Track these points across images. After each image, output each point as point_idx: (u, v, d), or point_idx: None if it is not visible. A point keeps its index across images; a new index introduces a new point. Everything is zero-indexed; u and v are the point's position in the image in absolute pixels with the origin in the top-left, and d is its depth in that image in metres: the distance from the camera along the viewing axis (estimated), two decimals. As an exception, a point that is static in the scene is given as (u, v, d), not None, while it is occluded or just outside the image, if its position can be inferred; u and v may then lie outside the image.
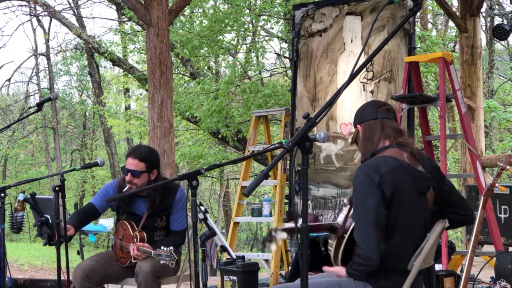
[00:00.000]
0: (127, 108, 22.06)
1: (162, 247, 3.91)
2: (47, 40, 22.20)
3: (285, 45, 15.00)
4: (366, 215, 2.72)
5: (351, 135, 3.16)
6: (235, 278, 4.67)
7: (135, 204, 4.35)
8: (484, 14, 12.22)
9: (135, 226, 4.29)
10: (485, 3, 9.30)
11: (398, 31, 4.51)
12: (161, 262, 3.90)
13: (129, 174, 4.21)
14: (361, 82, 6.41)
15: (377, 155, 2.88)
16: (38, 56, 24.10)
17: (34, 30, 23.83)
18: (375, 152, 2.90)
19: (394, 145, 2.90)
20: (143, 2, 7.19)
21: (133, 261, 4.20)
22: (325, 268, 2.93)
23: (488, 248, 6.69)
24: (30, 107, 4.68)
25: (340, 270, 2.86)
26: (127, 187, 4.22)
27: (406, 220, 2.80)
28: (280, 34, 14.37)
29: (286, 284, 3.21)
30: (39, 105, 4.51)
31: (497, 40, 9.73)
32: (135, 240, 4.21)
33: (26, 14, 20.70)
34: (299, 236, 2.28)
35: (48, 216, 4.13)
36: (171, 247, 3.91)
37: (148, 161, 4.24)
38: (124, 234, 4.33)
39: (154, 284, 4.06)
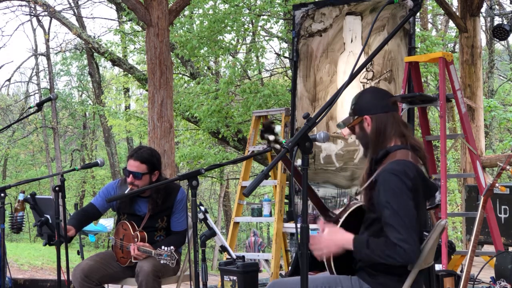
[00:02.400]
0: (127, 108, 22.06)
1: (163, 247, 3.91)
2: (47, 40, 22.20)
3: (285, 45, 15.01)
4: (405, 216, 2.65)
5: (351, 134, 3.07)
6: (235, 278, 4.67)
7: (136, 205, 4.35)
8: (484, 14, 12.23)
9: (136, 226, 4.29)
10: (485, 3, 9.30)
11: (398, 31, 4.51)
12: (162, 261, 3.90)
13: (131, 176, 4.22)
14: (361, 82, 6.41)
15: (391, 156, 2.82)
16: (38, 56, 24.10)
17: (34, 30, 23.85)
18: (389, 150, 2.85)
19: (408, 147, 2.86)
20: (143, 2, 7.19)
21: (133, 261, 4.20)
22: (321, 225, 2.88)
23: (488, 248, 6.69)
24: (30, 107, 4.68)
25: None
26: (128, 188, 4.22)
27: (418, 225, 2.81)
28: (280, 34, 14.37)
29: (285, 278, 3.22)
30: (39, 105, 4.51)
31: (497, 40, 9.73)
32: (136, 240, 4.21)
33: (26, 14, 20.70)
34: (299, 236, 2.28)
35: (48, 216, 4.13)
36: (172, 247, 3.91)
37: (149, 163, 4.24)
38: (124, 234, 4.33)
39: (154, 283, 4.06)
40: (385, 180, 2.73)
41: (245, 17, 12.98)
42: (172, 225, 4.36)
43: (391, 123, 2.88)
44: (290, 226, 6.53)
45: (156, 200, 4.26)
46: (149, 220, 4.31)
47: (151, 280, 4.03)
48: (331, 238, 2.80)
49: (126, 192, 4.23)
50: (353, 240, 2.76)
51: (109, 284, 4.34)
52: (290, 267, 6.11)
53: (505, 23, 8.74)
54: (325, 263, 2.92)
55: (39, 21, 21.99)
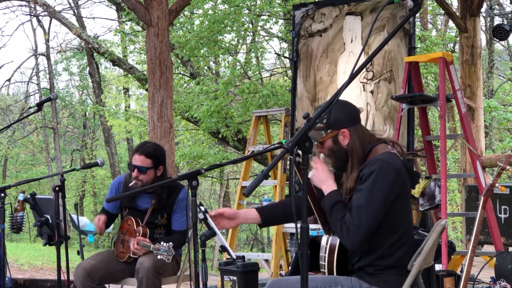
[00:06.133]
0: (127, 108, 22.05)
1: (162, 242, 3.94)
2: (47, 40, 22.19)
3: (285, 45, 15.00)
4: (368, 208, 2.72)
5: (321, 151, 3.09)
6: (235, 278, 4.67)
7: (138, 199, 4.38)
8: (484, 14, 12.23)
9: (140, 222, 4.32)
10: (485, 3, 9.31)
11: (398, 31, 4.51)
12: (158, 257, 3.91)
13: (136, 170, 4.26)
14: (361, 82, 6.41)
15: (372, 152, 2.86)
16: (38, 56, 24.09)
17: (34, 30, 23.81)
18: (369, 149, 2.88)
19: (384, 143, 2.90)
20: (143, 2, 7.19)
21: (131, 255, 4.21)
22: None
23: (488, 248, 6.69)
24: (30, 107, 4.68)
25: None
26: (133, 182, 4.25)
27: (406, 215, 2.86)
28: (280, 34, 14.36)
29: (284, 277, 3.23)
30: (39, 105, 4.52)
31: (497, 40, 9.73)
32: (137, 234, 4.23)
33: (26, 14, 20.69)
34: (299, 236, 2.28)
35: (48, 216, 4.14)
36: (170, 243, 3.94)
37: (154, 158, 4.29)
38: (128, 229, 4.36)
39: (155, 280, 4.06)
40: (369, 167, 2.77)
41: (245, 17, 12.97)
42: (173, 224, 4.38)
43: (367, 134, 2.92)
44: (290, 226, 6.53)
45: (161, 194, 4.29)
46: (151, 216, 4.33)
47: (152, 277, 4.04)
48: (326, 172, 2.97)
49: (130, 185, 4.26)
50: (331, 191, 2.87)
51: (109, 284, 4.35)
52: (290, 267, 6.11)
53: (505, 23, 8.74)
54: (326, 264, 2.92)
55: (39, 21, 21.98)
